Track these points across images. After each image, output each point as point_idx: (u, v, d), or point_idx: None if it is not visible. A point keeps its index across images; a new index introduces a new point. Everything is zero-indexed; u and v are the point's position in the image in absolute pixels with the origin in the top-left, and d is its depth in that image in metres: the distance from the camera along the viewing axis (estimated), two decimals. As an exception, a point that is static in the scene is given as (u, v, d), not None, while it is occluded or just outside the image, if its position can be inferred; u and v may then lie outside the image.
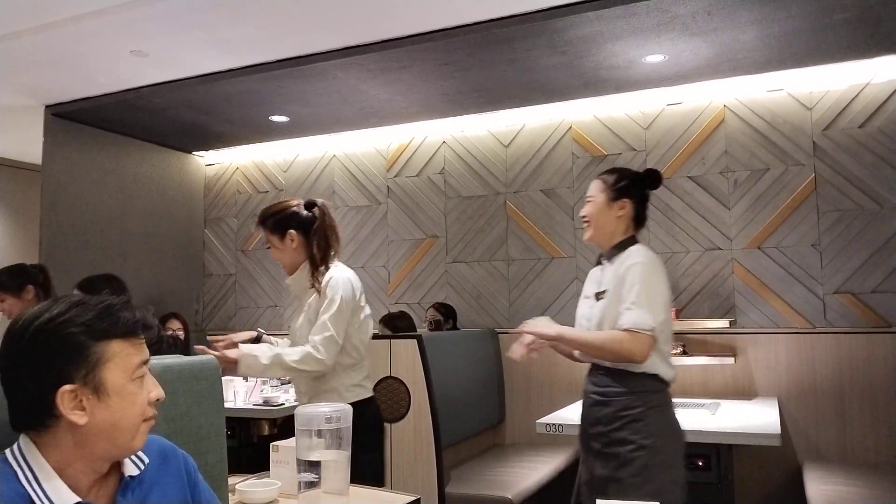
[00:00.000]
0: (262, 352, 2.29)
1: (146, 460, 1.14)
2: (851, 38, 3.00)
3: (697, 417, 2.81)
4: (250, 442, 3.62)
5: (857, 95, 3.42)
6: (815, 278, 3.42)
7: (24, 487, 0.98)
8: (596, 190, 2.16)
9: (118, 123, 4.24)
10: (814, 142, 3.47)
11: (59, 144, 4.06)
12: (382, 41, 3.11)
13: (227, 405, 2.25)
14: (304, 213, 2.41)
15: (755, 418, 2.78)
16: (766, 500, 3.33)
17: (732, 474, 2.98)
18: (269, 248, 2.46)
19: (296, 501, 1.70)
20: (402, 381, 2.90)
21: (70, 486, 1.02)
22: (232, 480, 1.75)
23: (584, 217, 2.18)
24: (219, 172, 5.09)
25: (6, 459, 1.01)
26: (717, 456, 2.62)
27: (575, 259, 3.91)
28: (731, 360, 3.41)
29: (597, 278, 2.18)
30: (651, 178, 2.17)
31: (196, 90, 3.64)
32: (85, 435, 1.01)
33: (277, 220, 2.41)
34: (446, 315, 4.02)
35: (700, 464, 2.61)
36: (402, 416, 2.87)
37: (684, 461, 2.06)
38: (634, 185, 2.14)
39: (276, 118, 4.14)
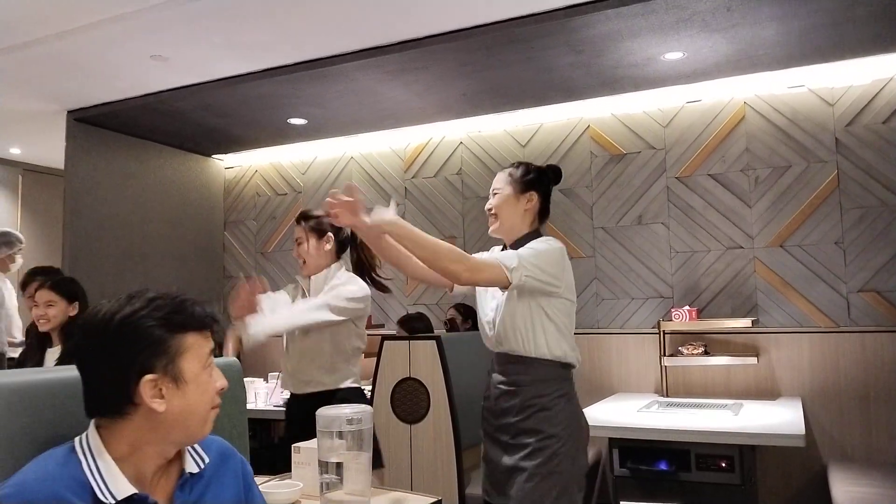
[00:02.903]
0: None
1: (207, 459, 1.19)
2: (874, 32, 2.96)
3: (720, 418, 2.78)
4: (271, 443, 3.65)
5: (880, 90, 3.37)
6: (838, 276, 3.37)
7: (85, 476, 1.04)
8: (502, 182, 2.16)
9: (139, 128, 4.28)
10: (836, 138, 3.42)
11: (81, 149, 4.11)
12: (400, 42, 3.12)
13: (247, 406, 2.30)
14: (343, 232, 2.61)
15: (779, 419, 2.75)
16: (790, 501, 3.29)
17: (756, 476, 2.95)
18: (298, 243, 2.55)
19: (318, 502, 1.71)
20: (421, 382, 2.90)
21: (133, 474, 1.07)
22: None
23: (489, 210, 2.17)
24: (238, 175, 5.13)
25: (74, 449, 1.07)
26: (740, 457, 2.59)
27: (594, 259, 3.89)
28: (753, 360, 3.37)
29: None
30: (554, 173, 2.19)
31: (215, 94, 3.67)
32: (161, 421, 1.07)
33: (319, 221, 2.56)
34: (465, 315, 4.02)
35: (723, 465, 2.58)
36: (422, 418, 2.87)
37: (586, 448, 2.09)
38: (540, 179, 2.15)
39: (295, 121, 4.16)
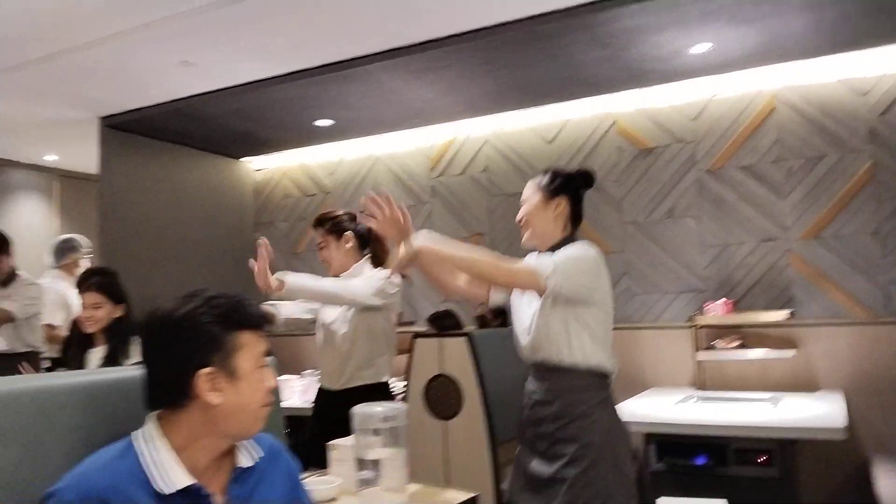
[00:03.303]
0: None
1: (259, 454, 1.23)
2: (909, 18, 2.89)
3: (758, 411, 2.75)
4: (305, 440, 3.67)
5: (916, 77, 3.29)
6: (876, 267, 3.31)
7: (143, 467, 1.08)
8: (531, 191, 2.15)
9: (169, 132, 4.35)
10: (870, 127, 3.35)
11: (113, 155, 4.19)
12: (424, 42, 3.13)
13: (282, 404, 2.33)
14: (358, 223, 2.66)
15: (818, 412, 2.71)
16: (832, 496, 3.23)
17: (796, 470, 2.90)
18: (321, 248, 2.59)
19: (355, 498, 1.72)
20: (453, 379, 2.91)
21: (189, 466, 1.11)
22: (293, 478, 1.78)
23: (520, 220, 2.17)
24: (267, 177, 5.19)
25: (132, 442, 1.12)
26: (779, 451, 2.56)
27: (624, 254, 3.86)
28: (791, 353, 3.31)
29: None
30: (584, 178, 2.16)
31: (243, 98, 3.71)
32: (215, 414, 1.12)
33: (336, 222, 2.59)
34: (495, 313, 4.01)
35: (762, 459, 2.55)
36: (456, 414, 2.88)
37: (632, 457, 2.05)
38: (568, 184, 2.13)
39: (321, 122, 4.19)
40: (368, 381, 2.55)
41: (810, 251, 3.44)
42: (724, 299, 3.46)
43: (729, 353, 3.38)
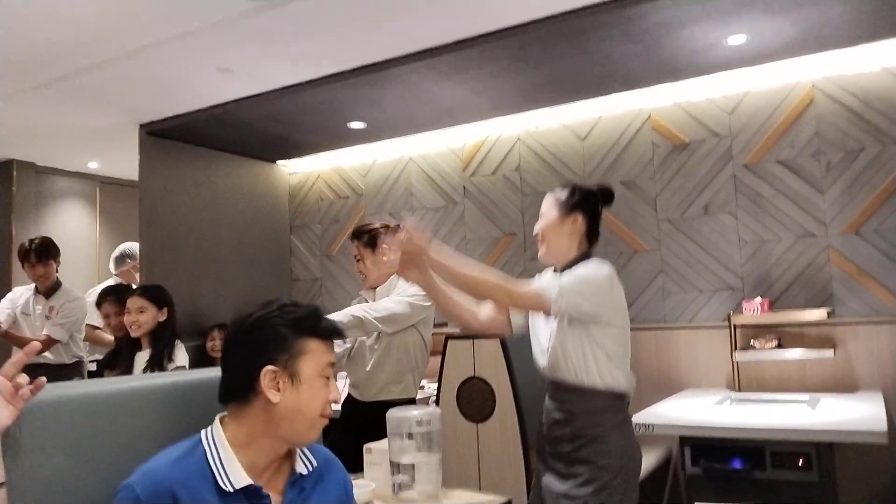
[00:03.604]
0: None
1: (315, 463, 1.30)
2: (954, 4, 2.80)
3: (795, 413, 2.70)
4: (329, 442, 3.73)
5: (962, 65, 3.19)
6: (921, 263, 3.21)
7: (208, 464, 1.16)
8: (548, 206, 2.14)
9: (207, 138, 4.44)
10: (915, 117, 3.26)
11: (153, 161, 4.30)
12: (455, 42, 3.13)
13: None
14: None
15: (859, 414, 2.65)
16: (872, 501, 3.15)
17: (835, 473, 2.84)
18: (358, 260, 2.62)
19: (390, 502, 1.75)
20: (486, 382, 2.92)
21: (248, 466, 1.19)
22: (328, 482, 1.81)
23: (537, 234, 2.15)
24: (302, 180, 5.26)
25: (200, 440, 1.20)
26: (817, 454, 2.51)
27: (659, 252, 3.82)
28: (830, 353, 3.25)
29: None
30: (604, 194, 2.14)
31: (277, 103, 3.77)
32: (274, 414, 1.19)
33: (372, 235, 2.64)
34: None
35: (800, 463, 2.51)
36: (488, 416, 2.89)
37: (638, 477, 2.06)
38: (586, 200, 2.11)
39: (354, 125, 4.23)
40: (396, 397, 2.57)
41: (850, 247, 3.36)
42: (760, 298, 3.40)
43: (766, 354, 3.32)
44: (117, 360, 3.01)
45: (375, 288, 2.69)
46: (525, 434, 2.79)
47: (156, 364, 2.87)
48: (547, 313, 1.97)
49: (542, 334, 2.14)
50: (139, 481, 1.11)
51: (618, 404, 2.04)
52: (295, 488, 1.25)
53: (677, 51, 3.19)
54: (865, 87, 3.36)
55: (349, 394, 2.77)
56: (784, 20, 2.89)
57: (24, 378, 1.09)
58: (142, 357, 2.94)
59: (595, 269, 2.01)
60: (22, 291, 4.01)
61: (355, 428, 2.42)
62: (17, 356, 1.11)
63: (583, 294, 1.95)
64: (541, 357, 2.14)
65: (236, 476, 1.16)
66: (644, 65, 3.36)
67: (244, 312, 1.26)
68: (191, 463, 1.16)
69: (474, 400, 2.93)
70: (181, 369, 2.90)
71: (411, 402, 2.67)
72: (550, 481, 2.06)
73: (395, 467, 1.74)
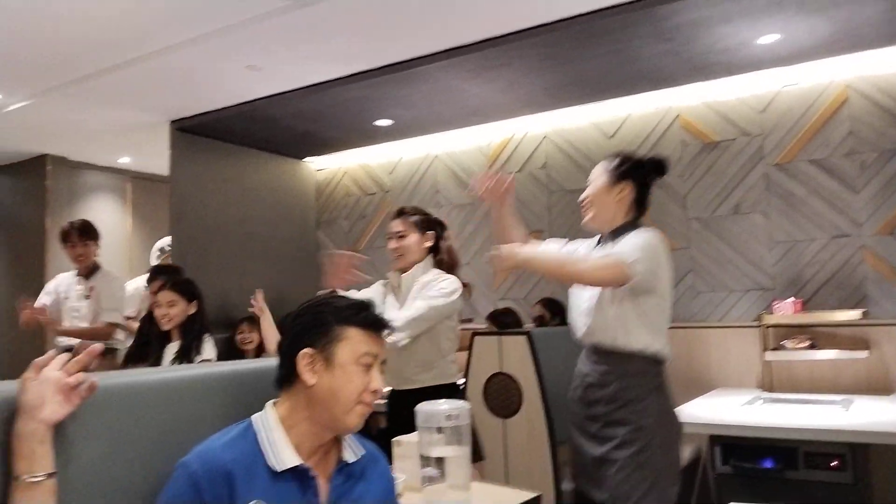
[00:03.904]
0: None
1: (362, 452, 1.34)
2: None
3: (829, 415, 2.66)
4: (369, 435, 3.74)
5: None
6: (958, 264, 3.15)
7: (259, 445, 1.21)
8: (598, 173, 2.15)
9: (236, 135, 4.49)
10: (953, 116, 3.19)
11: (184, 157, 4.35)
12: (483, 41, 3.13)
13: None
14: (438, 227, 2.75)
15: (893, 415, 2.60)
16: (908, 503, 3.10)
17: (870, 476, 2.80)
18: (400, 236, 2.62)
19: (420, 495, 1.75)
20: (512, 378, 2.92)
21: (296, 446, 1.23)
22: (358, 474, 1.82)
23: (582, 200, 2.16)
24: (328, 177, 5.29)
25: (252, 424, 1.25)
26: (852, 455, 2.47)
27: (689, 250, 3.79)
28: (864, 354, 3.19)
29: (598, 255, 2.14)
30: (656, 165, 2.13)
31: (305, 100, 3.80)
32: (311, 396, 1.24)
33: (423, 219, 2.69)
34: (553, 311, 3.99)
35: (834, 464, 2.47)
36: (515, 412, 2.89)
37: (680, 444, 2.06)
38: (636, 169, 2.12)
39: (381, 122, 4.25)
40: (429, 384, 2.56)
41: (885, 247, 3.30)
42: (792, 298, 3.36)
43: (798, 354, 3.28)
44: (146, 352, 3.05)
45: (406, 268, 2.68)
46: (553, 430, 2.78)
47: (184, 356, 2.91)
48: (623, 283, 1.96)
49: (582, 297, 2.14)
50: (195, 460, 1.15)
51: (656, 369, 2.05)
52: (341, 475, 1.28)
53: (708, 50, 3.16)
54: (902, 86, 3.30)
55: (391, 388, 2.75)
56: (818, 19, 2.85)
57: (83, 377, 1.11)
58: (171, 349, 2.98)
59: (654, 238, 2.02)
60: (63, 277, 4.08)
61: (402, 420, 2.43)
62: (81, 357, 1.13)
63: (652, 261, 1.97)
64: (579, 319, 2.15)
65: (285, 456, 1.20)
66: (673, 64, 3.33)
67: (301, 304, 1.32)
68: (244, 444, 1.20)
69: (501, 395, 2.92)
70: (207, 362, 2.94)
71: (453, 386, 2.65)
72: (585, 445, 2.07)
73: (425, 461, 1.74)
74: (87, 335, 3.78)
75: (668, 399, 2.07)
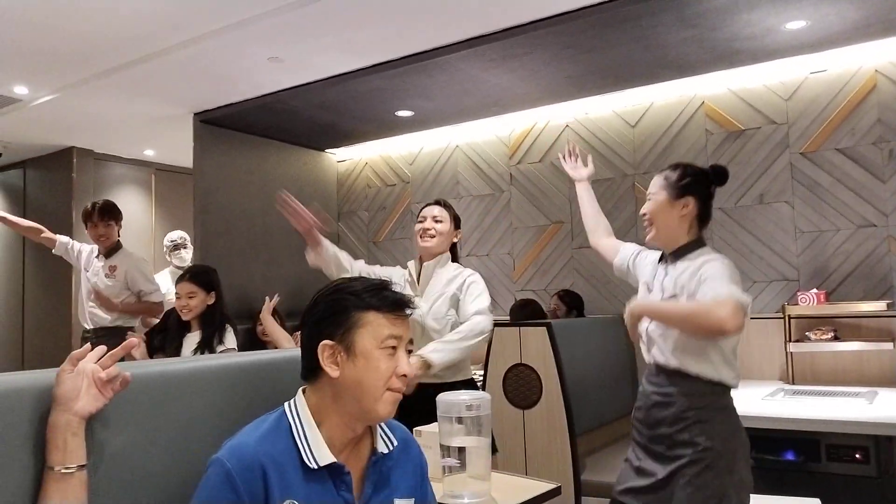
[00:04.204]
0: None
1: (395, 443, 1.29)
2: None
3: (852, 407, 2.63)
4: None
5: None
6: None
7: (294, 440, 1.17)
8: (657, 187, 2.07)
9: (258, 126, 4.52)
10: None
11: (206, 149, 4.40)
12: (504, 30, 3.12)
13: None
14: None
15: (920, 409, 2.57)
16: (934, 497, 3.06)
17: (894, 469, 2.77)
18: (438, 221, 2.68)
19: (440, 485, 1.77)
20: (532, 369, 2.92)
21: (328, 440, 1.19)
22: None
23: (644, 215, 2.09)
24: (349, 168, 5.31)
25: (284, 413, 1.21)
26: (875, 448, 2.44)
27: (712, 241, 3.74)
28: (889, 346, 3.14)
29: (659, 277, 2.09)
30: (717, 174, 2.04)
31: (327, 91, 3.81)
32: (338, 388, 1.20)
33: (457, 215, 2.75)
34: (570, 304, 3.95)
35: (857, 457, 2.45)
36: (535, 403, 2.89)
37: (750, 463, 1.99)
38: (698, 182, 2.03)
39: (402, 113, 4.25)
40: (448, 380, 2.56)
41: (914, 238, 3.25)
42: (816, 289, 3.32)
43: (822, 345, 3.23)
44: (165, 341, 3.10)
45: (433, 256, 2.69)
46: (572, 421, 2.78)
47: (206, 346, 2.95)
48: (743, 316, 1.79)
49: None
50: (229, 456, 1.12)
51: (721, 391, 1.99)
52: (377, 467, 1.25)
53: (733, 36, 3.12)
54: (932, 72, 3.23)
55: None
56: (847, 5, 2.79)
57: (117, 370, 1.13)
58: (191, 339, 3.03)
59: (725, 264, 1.93)
60: (87, 248, 4.12)
61: (412, 413, 2.45)
62: (116, 350, 1.16)
63: (732, 284, 1.85)
64: (643, 337, 2.10)
65: (321, 453, 1.17)
66: (699, 51, 3.29)
67: (321, 289, 1.27)
68: (278, 438, 1.16)
69: (521, 386, 2.93)
70: (230, 351, 2.98)
71: (471, 382, 2.66)
72: (651, 466, 2.03)
73: (445, 450, 1.76)
74: (142, 310, 3.93)
75: (734, 419, 2.01)
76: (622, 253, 2.35)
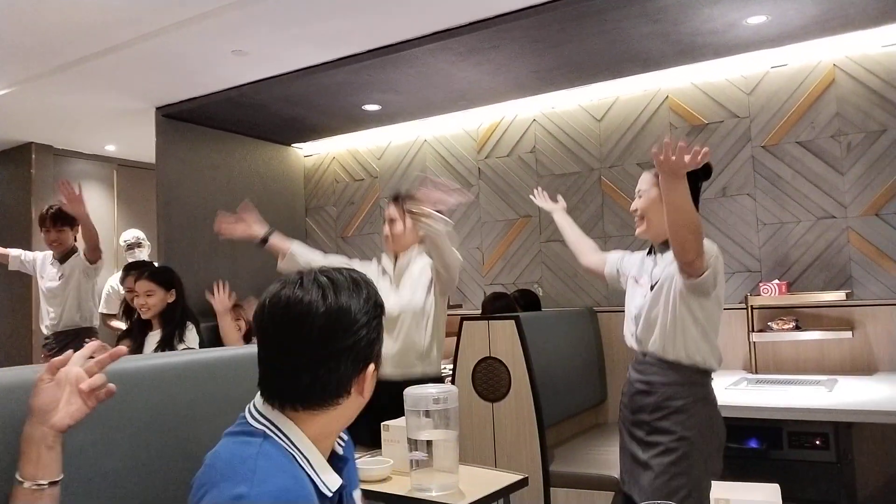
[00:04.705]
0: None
1: (345, 439, 1.24)
2: (981, -19, 2.74)
3: (813, 394, 2.69)
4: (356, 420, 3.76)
5: None
6: (942, 245, 3.18)
7: (304, 472, 1.05)
8: (648, 184, 2.14)
9: (223, 121, 4.45)
10: (938, 97, 3.20)
11: (170, 144, 4.32)
12: (471, 23, 3.11)
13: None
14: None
15: (877, 395, 2.64)
16: (890, 480, 3.15)
17: (853, 454, 2.84)
18: (393, 221, 2.65)
19: (408, 478, 1.77)
20: (501, 362, 2.93)
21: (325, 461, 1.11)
22: (347, 458, 1.83)
23: (635, 211, 2.15)
24: (317, 163, 5.27)
25: (285, 446, 1.05)
26: (835, 434, 2.51)
27: (675, 234, 3.80)
28: (848, 334, 3.22)
29: (647, 268, 2.17)
30: (703, 169, 2.10)
31: (293, 85, 3.77)
32: (349, 410, 1.12)
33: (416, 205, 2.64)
34: (526, 305, 3.91)
35: (817, 443, 2.51)
36: (503, 396, 2.91)
37: (723, 454, 2.07)
38: (687, 178, 2.06)
39: (369, 107, 4.23)
40: (418, 375, 2.55)
41: (870, 229, 3.33)
42: (778, 280, 3.38)
43: (784, 335, 3.31)
44: (128, 339, 3.06)
45: (399, 252, 2.70)
46: (541, 413, 2.80)
47: (166, 345, 2.92)
48: (697, 274, 1.93)
49: (634, 303, 2.16)
50: (263, 494, 0.97)
51: (703, 379, 2.06)
52: (342, 473, 1.17)
53: (696, 31, 3.15)
54: (888, 67, 3.31)
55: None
56: (806, 0, 2.85)
57: (103, 378, 1.05)
58: (153, 338, 2.99)
59: (711, 245, 2.03)
60: (42, 256, 4.11)
61: (380, 409, 2.44)
62: (103, 357, 1.07)
63: (711, 264, 1.97)
64: (630, 324, 2.16)
65: (331, 479, 1.09)
66: (662, 46, 3.32)
67: (338, 306, 1.07)
68: (294, 470, 1.04)
69: (490, 380, 2.94)
70: (191, 350, 2.95)
71: (437, 379, 2.67)
72: (632, 447, 2.12)
73: (413, 444, 1.76)
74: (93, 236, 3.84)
75: (713, 409, 2.08)
76: (609, 262, 2.44)
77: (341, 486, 1.10)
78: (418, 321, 2.60)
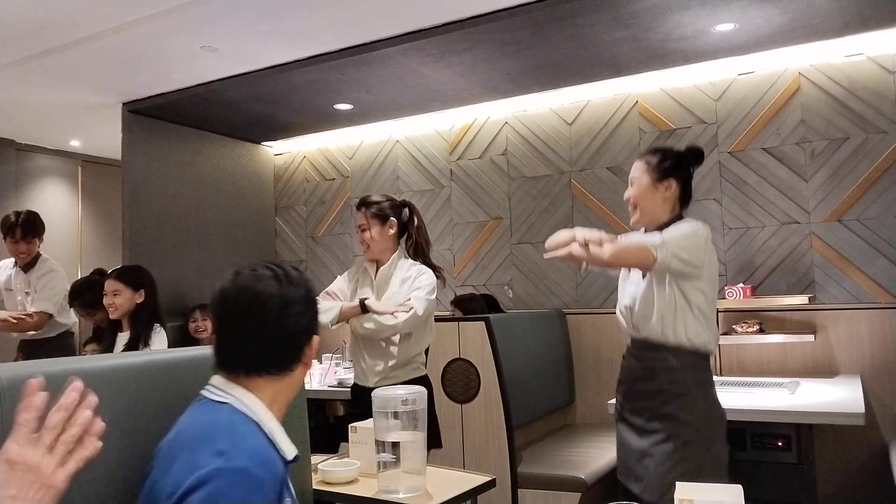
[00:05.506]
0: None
1: None
2: (939, -5, 2.82)
3: (776, 397, 2.74)
4: (326, 422, 3.74)
5: (946, 56, 3.22)
6: (900, 251, 3.26)
7: (269, 439, 1.16)
8: (640, 171, 2.14)
9: (191, 118, 4.39)
10: (898, 107, 3.29)
11: (136, 140, 4.24)
12: (444, 24, 3.11)
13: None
14: (403, 209, 2.65)
15: (837, 397, 2.69)
16: (850, 481, 3.22)
17: (814, 455, 2.90)
18: (363, 230, 2.56)
19: (376, 480, 1.76)
20: (471, 363, 2.94)
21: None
22: (314, 460, 1.82)
23: (628, 199, 2.16)
24: (287, 161, 5.22)
25: (246, 415, 1.16)
26: (797, 436, 2.56)
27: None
28: (810, 338, 3.29)
29: None
30: (694, 156, 2.15)
31: (263, 82, 3.73)
32: (294, 381, 1.25)
33: (381, 207, 2.59)
34: (467, 313, 3.84)
35: (780, 444, 2.55)
36: (473, 397, 2.91)
37: (727, 439, 2.06)
38: (678, 164, 2.12)
39: (341, 106, 4.20)
40: (400, 380, 2.51)
41: (832, 234, 3.40)
42: (742, 284, 3.44)
43: (748, 338, 3.37)
44: (100, 339, 3.01)
45: (376, 261, 2.62)
46: (509, 414, 2.81)
47: (132, 347, 2.87)
48: (649, 266, 1.95)
49: (627, 291, 2.16)
50: (256, 466, 1.05)
51: (702, 363, 2.05)
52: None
53: (666, 37, 3.20)
54: (851, 77, 3.39)
55: (355, 382, 2.69)
56: (773, 9, 2.90)
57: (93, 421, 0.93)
58: (122, 339, 2.94)
59: (692, 225, 2.04)
60: (4, 265, 3.96)
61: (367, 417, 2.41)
62: (65, 402, 0.90)
63: (683, 246, 1.95)
64: (625, 313, 2.15)
65: (289, 446, 1.19)
66: (632, 51, 3.36)
67: (293, 279, 1.25)
68: (262, 438, 1.15)
69: (459, 381, 2.94)
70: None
71: (425, 378, 2.61)
72: (628, 437, 2.08)
73: (381, 446, 1.75)
74: (11, 326, 3.68)
75: (712, 394, 2.08)
76: None
77: (296, 456, 1.19)
78: (406, 335, 2.54)
